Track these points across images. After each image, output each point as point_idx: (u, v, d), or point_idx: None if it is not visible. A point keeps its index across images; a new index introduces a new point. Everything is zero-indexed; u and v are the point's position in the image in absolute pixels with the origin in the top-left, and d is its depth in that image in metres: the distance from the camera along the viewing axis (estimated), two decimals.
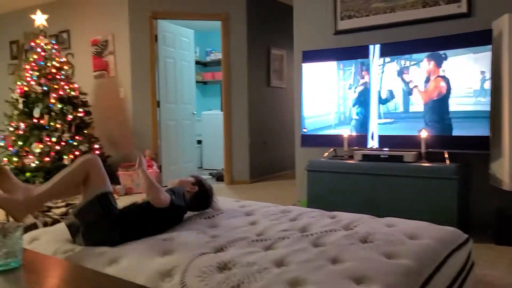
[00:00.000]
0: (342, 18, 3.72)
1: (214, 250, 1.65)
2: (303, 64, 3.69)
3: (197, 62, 7.42)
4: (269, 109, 6.03)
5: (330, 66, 3.55)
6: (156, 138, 5.43)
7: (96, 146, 5.07)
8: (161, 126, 5.49)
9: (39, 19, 4.95)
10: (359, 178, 3.18)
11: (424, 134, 3.08)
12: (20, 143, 4.65)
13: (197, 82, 7.03)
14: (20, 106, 4.72)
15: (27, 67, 4.86)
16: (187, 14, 5.47)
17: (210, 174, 6.45)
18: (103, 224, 1.81)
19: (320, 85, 3.60)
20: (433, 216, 2.74)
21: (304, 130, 3.68)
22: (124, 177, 4.99)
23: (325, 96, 3.58)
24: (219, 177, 5.96)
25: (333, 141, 3.51)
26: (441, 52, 3.05)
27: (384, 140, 3.30)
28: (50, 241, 1.89)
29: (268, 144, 6.01)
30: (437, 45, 3.07)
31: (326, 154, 3.59)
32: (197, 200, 2.23)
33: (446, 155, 3.02)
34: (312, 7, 3.95)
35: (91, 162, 1.88)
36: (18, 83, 4.87)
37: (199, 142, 7.17)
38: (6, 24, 6.55)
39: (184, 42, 5.94)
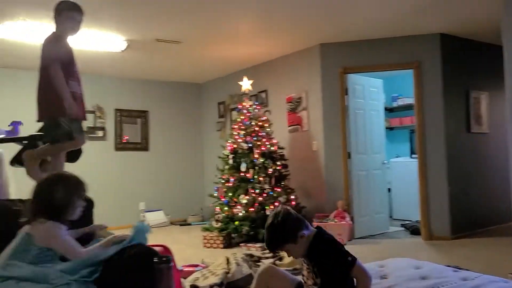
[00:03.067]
0: None
1: None
2: None
3: (384, 108, 7.34)
4: (470, 156, 5.52)
5: None
6: (347, 188, 5.49)
7: (292, 196, 5.39)
8: (352, 177, 5.54)
9: (245, 84, 5.66)
10: None
11: None
12: (230, 194, 5.26)
13: None
14: (230, 161, 5.38)
15: (235, 126, 5.56)
16: (377, 67, 5.53)
17: (403, 225, 6.15)
18: None
19: None
20: None
21: None
22: None
23: None
24: (413, 230, 5.63)
25: None
26: None
27: None
28: None
29: (471, 195, 5.45)
30: None
31: None
32: None
33: None
34: None
35: (265, 274, 1.99)
36: (228, 141, 5.59)
37: (388, 190, 6.95)
38: (215, 88, 7.66)
39: (373, 92, 5.98)
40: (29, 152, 2.89)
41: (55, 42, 2.90)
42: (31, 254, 1.93)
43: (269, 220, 1.99)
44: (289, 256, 2.03)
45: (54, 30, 2.99)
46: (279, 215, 1.96)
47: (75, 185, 2.11)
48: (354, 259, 1.94)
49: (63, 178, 2.12)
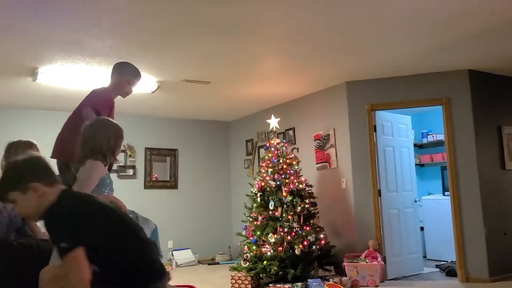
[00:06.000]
0: None
1: None
2: None
3: (413, 145, 7.23)
4: (505, 194, 5.32)
5: None
6: (378, 227, 5.35)
7: (321, 235, 5.28)
8: (383, 215, 5.41)
9: (273, 122, 5.72)
10: None
11: None
12: (258, 233, 5.20)
13: None
14: (258, 199, 5.35)
15: (263, 164, 5.56)
16: (405, 103, 5.49)
17: (438, 266, 5.90)
18: None
19: None
20: None
21: None
22: (350, 268, 4.99)
23: None
24: (449, 272, 5.39)
25: None
26: None
27: None
28: None
29: (509, 236, 5.22)
30: None
31: None
32: None
33: None
34: None
35: None
36: (256, 178, 5.58)
37: (421, 229, 6.73)
38: (243, 126, 7.75)
39: (401, 129, 5.92)
40: None
41: (103, 96, 3.01)
42: None
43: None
44: (18, 212, 1.66)
45: (108, 85, 3.10)
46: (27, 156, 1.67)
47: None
48: (74, 245, 1.47)
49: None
